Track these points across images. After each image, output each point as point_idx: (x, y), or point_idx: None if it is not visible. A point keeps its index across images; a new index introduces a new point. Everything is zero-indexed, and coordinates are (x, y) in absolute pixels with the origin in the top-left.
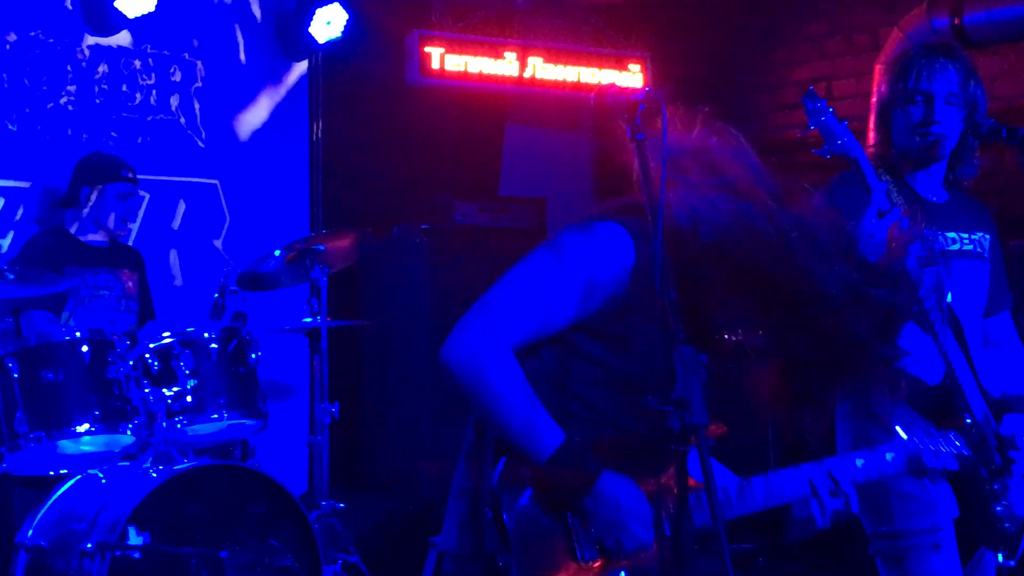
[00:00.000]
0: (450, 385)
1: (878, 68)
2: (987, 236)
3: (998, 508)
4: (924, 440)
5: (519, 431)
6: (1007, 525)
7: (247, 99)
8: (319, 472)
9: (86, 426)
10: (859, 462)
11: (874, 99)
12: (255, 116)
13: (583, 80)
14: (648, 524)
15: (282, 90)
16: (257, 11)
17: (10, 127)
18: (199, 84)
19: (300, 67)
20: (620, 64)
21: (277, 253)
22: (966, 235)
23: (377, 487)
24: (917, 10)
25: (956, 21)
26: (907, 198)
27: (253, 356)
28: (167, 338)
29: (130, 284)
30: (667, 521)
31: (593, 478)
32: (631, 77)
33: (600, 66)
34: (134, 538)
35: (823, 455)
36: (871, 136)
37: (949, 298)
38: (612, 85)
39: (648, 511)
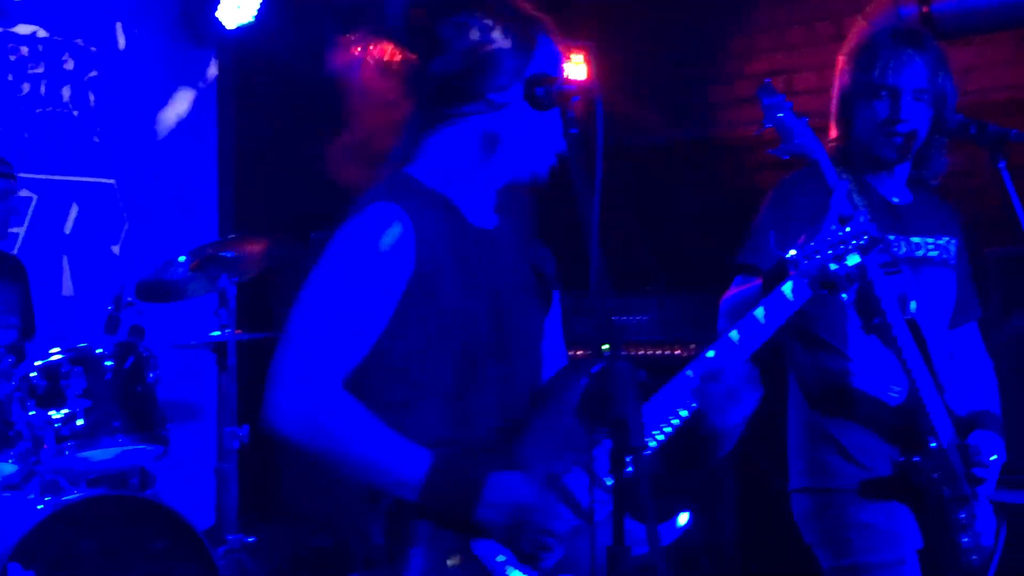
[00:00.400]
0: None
1: (841, 59)
2: (954, 241)
3: (964, 539)
4: None
5: (382, 472)
6: (973, 557)
7: (149, 90)
8: (227, 503)
9: None
10: (710, 353)
11: (835, 92)
12: (158, 109)
13: None
14: (556, 511)
15: (189, 80)
16: None
17: None
18: (94, 74)
19: (209, 55)
20: (562, 54)
21: (181, 260)
22: (932, 240)
23: (291, 518)
24: None
25: (924, 9)
26: (870, 200)
27: (152, 374)
28: (55, 355)
29: (9, 297)
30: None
31: (478, 489)
32: (574, 68)
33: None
34: None
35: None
36: (832, 132)
37: (913, 308)
38: (547, 77)
39: (551, 497)
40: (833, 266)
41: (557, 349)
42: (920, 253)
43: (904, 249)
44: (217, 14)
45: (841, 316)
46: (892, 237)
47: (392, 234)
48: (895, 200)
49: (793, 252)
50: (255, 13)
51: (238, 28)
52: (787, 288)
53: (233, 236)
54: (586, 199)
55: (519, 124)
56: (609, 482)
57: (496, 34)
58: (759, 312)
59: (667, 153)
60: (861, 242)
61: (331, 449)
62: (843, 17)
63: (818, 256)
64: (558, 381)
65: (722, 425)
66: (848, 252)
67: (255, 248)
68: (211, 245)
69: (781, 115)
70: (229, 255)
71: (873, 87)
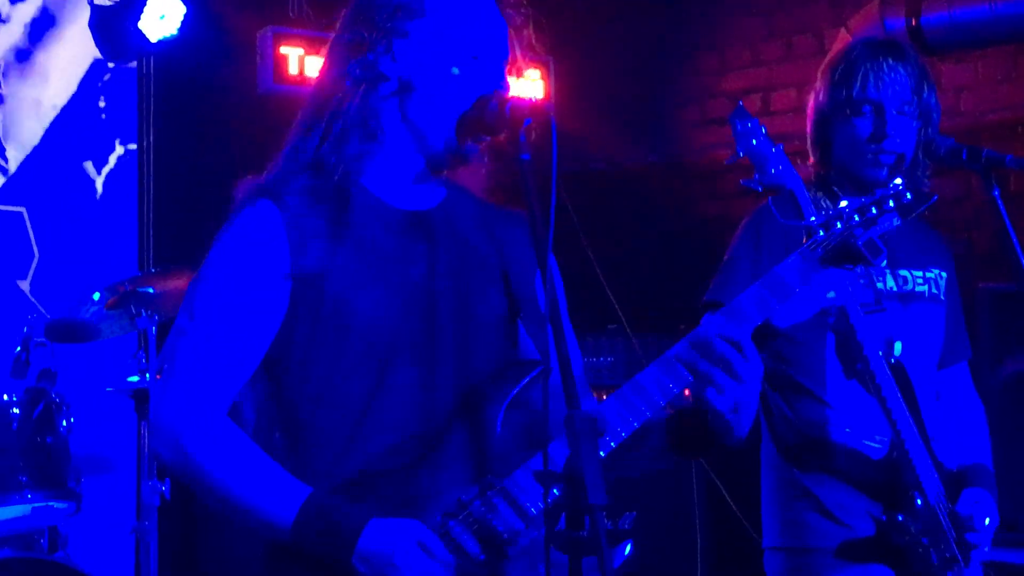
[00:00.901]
0: None
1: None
2: (943, 274)
3: None
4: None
5: (251, 511)
6: None
7: (62, 109)
8: (146, 564)
9: None
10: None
11: (811, 111)
12: (73, 130)
13: None
14: (433, 569)
15: (106, 98)
16: (84, 8)
17: None
18: (1, 89)
19: (130, 73)
20: (517, 70)
21: (96, 297)
22: (919, 273)
23: None
24: (868, 8)
25: (913, 22)
26: None
27: (64, 423)
28: None
29: None
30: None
31: (354, 537)
32: (530, 85)
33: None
34: None
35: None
36: (811, 159)
37: (898, 350)
38: (497, 94)
39: (436, 549)
40: (859, 231)
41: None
42: (907, 287)
43: (890, 283)
44: (140, 25)
45: (820, 359)
46: (874, 270)
47: (256, 237)
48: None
49: (812, 218)
50: (179, 25)
51: (161, 41)
52: (790, 264)
53: (154, 270)
54: (539, 230)
55: (423, 87)
56: (534, 510)
57: None
58: (745, 295)
59: (632, 179)
60: (904, 200)
61: (200, 481)
62: (825, 30)
63: (840, 222)
64: (495, 385)
65: (721, 406)
66: (883, 215)
67: (178, 283)
68: (128, 280)
69: (755, 142)
70: (148, 291)
71: (853, 102)
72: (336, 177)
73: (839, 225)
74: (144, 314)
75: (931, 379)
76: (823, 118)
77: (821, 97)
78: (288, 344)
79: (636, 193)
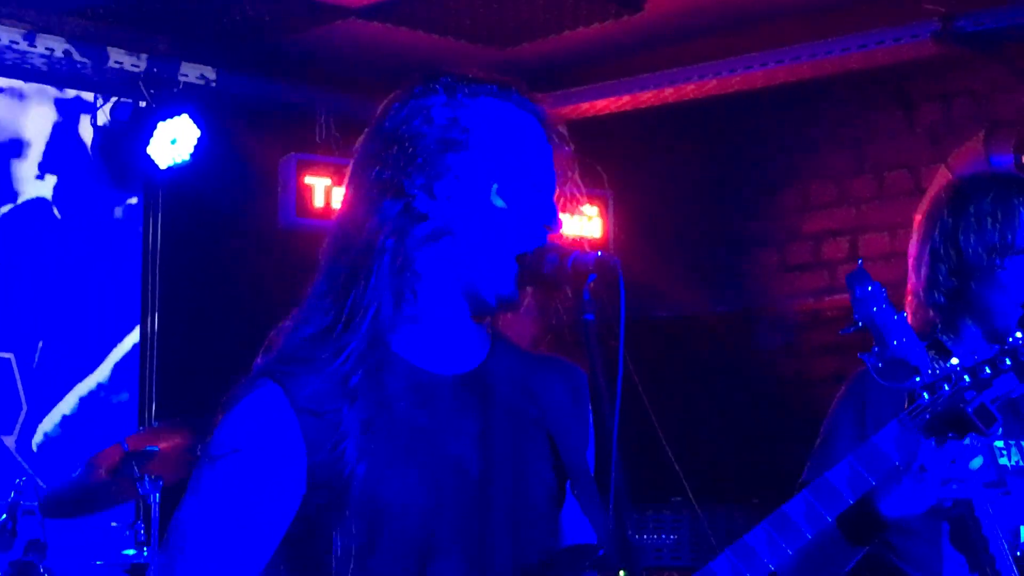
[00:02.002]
0: None
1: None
2: None
3: None
4: None
5: None
6: None
7: (58, 246)
8: None
9: None
10: None
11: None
12: (68, 267)
13: None
14: None
15: (108, 232)
16: (87, 129)
17: None
18: None
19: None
20: (569, 206)
21: (91, 461)
22: None
23: None
24: (971, 142)
25: (1023, 159)
26: None
27: None
28: None
29: None
30: None
31: None
32: (585, 224)
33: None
34: None
35: None
36: (908, 314)
37: None
38: (551, 244)
39: None
40: (970, 395)
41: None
42: None
43: (1016, 458)
44: (149, 151)
45: (936, 551)
46: (1000, 444)
47: (259, 434)
48: (1014, 393)
49: (916, 379)
50: (192, 150)
51: (171, 168)
52: (886, 433)
53: (156, 425)
54: (604, 394)
55: (467, 225)
56: None
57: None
58: (835, 470)
59: (699, 330)
60: (1021, 357)
61: None
62: (920, 166)
63: (948, 384)
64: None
65: None
66: (999, 376)
67: (184, 441)
68: (128, 438)
69: (875, 310)
70: (152, 450)
71: (1008, 245)
72: (360, 341)
73: (946, 388)
74: (146, 477)
75: None
76: (959, 260)
77: (959, 236)
78: (310, 542)
79: (704, 347)
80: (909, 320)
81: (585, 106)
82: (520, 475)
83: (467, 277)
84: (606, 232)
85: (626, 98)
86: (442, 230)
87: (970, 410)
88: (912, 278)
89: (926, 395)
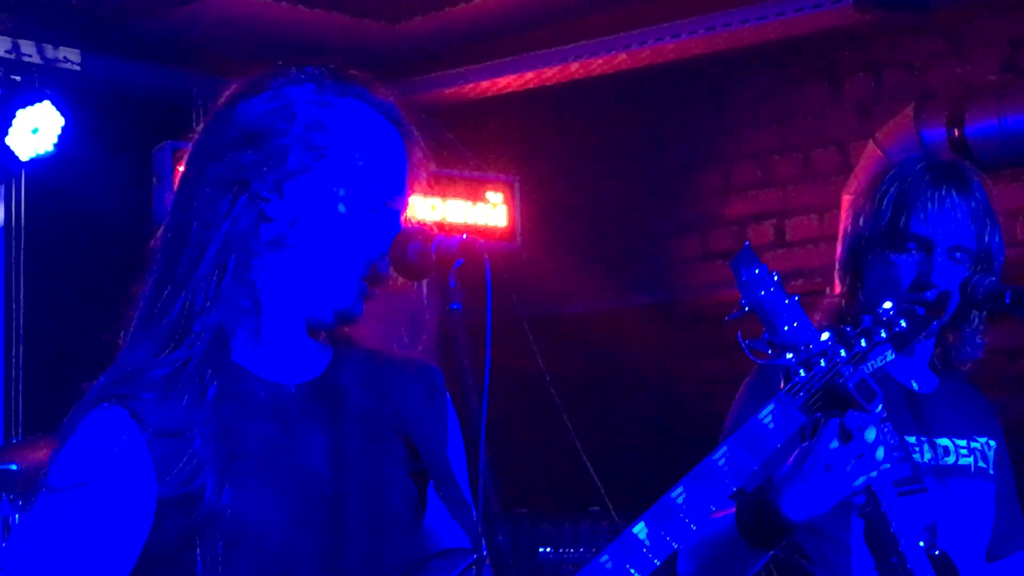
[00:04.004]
0: None
1: (847, 198)
2: (992, 442)
3: None
4: None
5: None
6: None
7: None
8: None
9: None
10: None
11: (841, 238)
12: None
13: (417, 215)
14: None
15: None
16: None
17: None
18: None
19: None
20: (474, 192)
21: None
22: (963, 442)
23: None
24: (900, 117)
25: (955, 133)
26: (883, 389)
27: None
28: None
29: None
30: None
31: None
32: (490, 212)
33: (445, 195)
34: None
35: None
36: (837, 290)
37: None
38: (415, 228)
39: None
40: (847, 371)
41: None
42: (949, 460)
43: (929, 455)
44: (7, 141)
45: (845, 552)
46: (912, 439)
47: (102, 460)
48: (914, 387)
49: (789, 355)
50: (56, 140)
51: (33, 159)
52: (765, 414)
53: (17, 439)
54: (471, 390)
55: (309, 231)
56: None
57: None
58: (719, 452)
59: (615, 326)
60: (897, 328)
61: None
62: (849, 142)
63: (823, 359)
64: None
65: None
66: (873, 348)
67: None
68: None
69: (763, 293)
70: (9, 468)
71: (897, 236)
72: (200, 353)
73: (822, 363)
74: (5, 498)
75: (980, 572)
76: (856, 250)
77: (858, 223)
78: (168, 566)
79: (620, 344)
80: (835, 301)
81: (485, 84)
82: (376, 483)
83: (305, 291)
84: (512, 221)
85: (529, 75)
86: (285, 237)
87: (851, 385)
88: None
89: (802, 372)
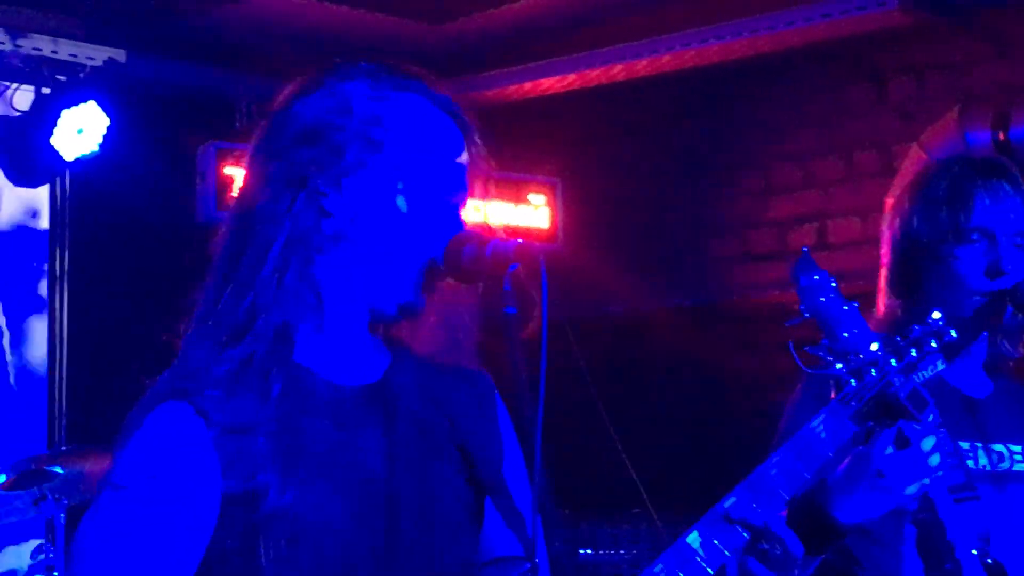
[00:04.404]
0: None
1: (890, 201)
2: None
3: None
4: None
5: None
6: None
7: None
8: None
9: None
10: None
11: (892, 237)
12: None
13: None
14: None
15: (10, 232)
16: None
17: None
18: None
19: (38, 195)
20: (517, 194)
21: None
22: (1019, 447)
23: None
24: (945, 119)
25: (1001, 136)
26: (938, 394)
27: None
28: None
29: None
30: None
31: None
32: (532, 214)
33: (486, 196)
34: None
35: None
36: (881, 303)
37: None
38: (470, 232)
39: None
40: (898, 380)
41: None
42: (1004, 466)
43: (984, 461)
44: (53, 141)
45: (896, 558)
46: (966, 445)
47: (169, 455)
48: (972, 392)
49: (839, 365)
50: (101, 140)
51: (79, 159)
52: (817, 423)
53: (64, 448)
54: (525, 394)
55: (369, 227)
56: None
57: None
58: (771, 461)
59: (656, 327)
60: (948, 338)
61: None
62: (892, 145)
63: (874, 369)
64: None
65: None
66: (924, 358)
67: (93, 464)
68: (32, 459)
69: (823, 300)
70: (56, 471)
71: (959, 231)
72: (264, 351)
73: (873, 373)
74: (50, 497)
75: None
76: (913, 250)
77: (913, 224)
78: (230, 564)
79: (661, 345)
80: (880, 310)
81: (529, 86)
82: (429, 488)
83: (367, 284)
84: (554, 222)
85: (572, 76)
86: (345, 232)
87: (902, 395)
88: (883, 266)
89: (853, 381)
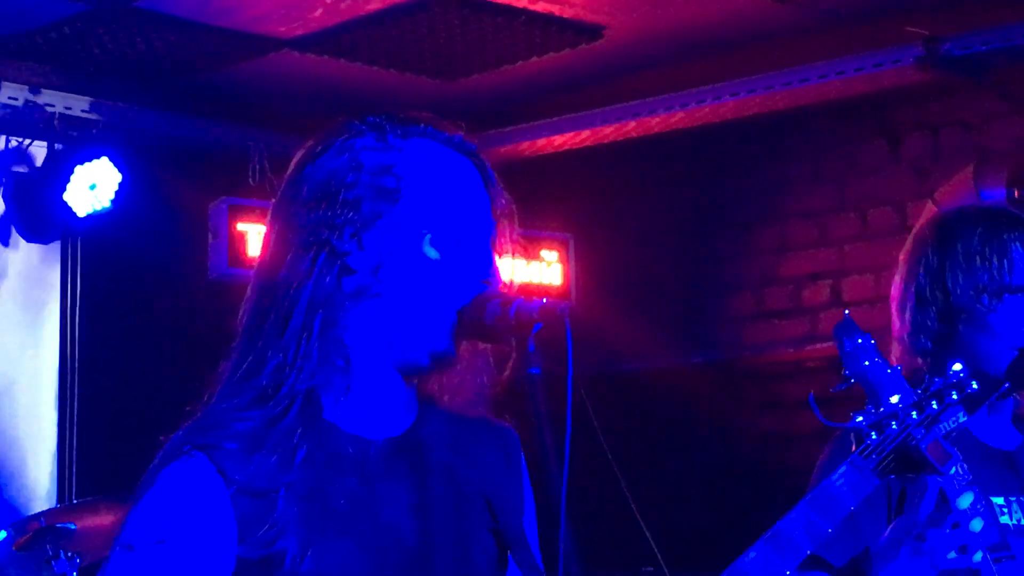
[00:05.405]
0: None
1: (903, 258)
2: None
3: None
4: None
5: None
6: None
7: None
8: None
9: None
10: None
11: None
12: None
13: None
14: None
15: (21, 286)
16: None
17: None
18: None
19: (48, 252)
20: (529, 250)
21: (2, 535)
22: None
23: None
24: (960, 176)
25: (1016, 193)
26: (966, 448)
27: None
28: None
29: None
30: None
31: None
32: (545, 270)
33: (499, 252)
34: None
35: None
36: (893, 356)
37: None
38: (493, 291)
39: None
40: (919, 432)
41: None
42: None
43: (1017, 515)
44: (66, 197)
45: None
46: (1000, 500)
47: (188, 511)
48: (1000, 445)
49: (860, 418)
50: (113, 196)
51: (91, 215)
52: (838, 476)
53: (76, 502)
54: (551, 454)
55: (398, 279)
56: None
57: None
58: (788, 518)
59: (670, 384)
60: (969, 390)
61: None
62: (906, 202)
63: (895, 422)
64: None
65: None
66: (945, 410)
67: (104, 519)
68: (42, 514)
69: (867, 363)
70: (68, 528)
71: (1001, 287)
72: (292, 414)
73: (894, 426)
74: (63, 556)
75: None
76: (946, 304)
77: (947, 279)
78: None
79: (675, 402)
80: (893, 363)
81: (542, 142)
82: (462, 543)
83: (398, 337)
84: (567, 278)
85: (586, 133)
86: (370, 287)
87: (924, 447)
88: (896, 322)
89: (874, 435)
